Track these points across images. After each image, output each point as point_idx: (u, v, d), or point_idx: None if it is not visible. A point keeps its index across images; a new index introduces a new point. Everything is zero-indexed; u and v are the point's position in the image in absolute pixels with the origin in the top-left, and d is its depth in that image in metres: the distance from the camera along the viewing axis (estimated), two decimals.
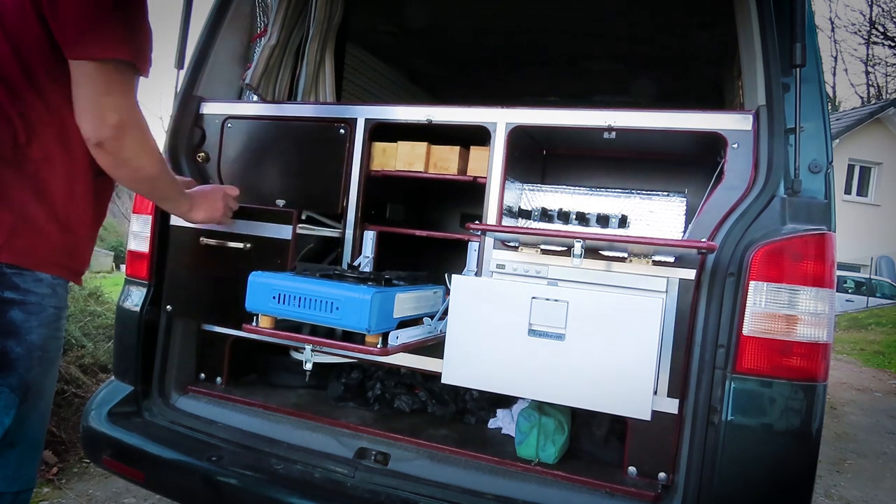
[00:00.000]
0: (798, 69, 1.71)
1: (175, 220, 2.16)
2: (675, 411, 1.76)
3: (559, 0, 2.86)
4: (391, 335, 1.73)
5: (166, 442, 2.07)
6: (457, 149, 2.19)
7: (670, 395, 1.77)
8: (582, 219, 2.34)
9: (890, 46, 25.80)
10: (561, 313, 1.65)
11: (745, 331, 1.63)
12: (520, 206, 2.42)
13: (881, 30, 25.81)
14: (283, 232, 2.05)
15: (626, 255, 1.84)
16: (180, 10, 2.36)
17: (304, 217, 2.23)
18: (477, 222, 1.90)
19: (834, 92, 28.76)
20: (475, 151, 2.19)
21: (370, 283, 1.77)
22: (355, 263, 2.20)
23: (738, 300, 1.65)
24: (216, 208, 1.93)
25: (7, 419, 1.39)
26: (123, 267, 3.25)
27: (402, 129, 2.23)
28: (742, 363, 1.63)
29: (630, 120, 1.93)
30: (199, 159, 2.38)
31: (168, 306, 2.21)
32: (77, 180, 1.46)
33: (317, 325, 1.78)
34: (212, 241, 2.11)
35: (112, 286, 6.29)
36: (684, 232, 2.20)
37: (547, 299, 1.67)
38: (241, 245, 2.06)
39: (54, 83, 1.37)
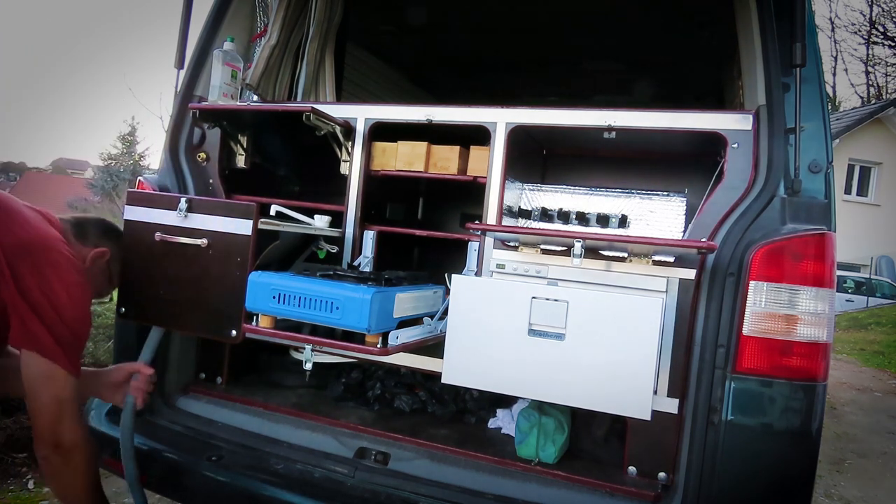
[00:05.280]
0: (798, 69, 1.71)
1: (128, 214, 2.00)
2: (675, 411, 1.76)
3: (559, 0, 2.86)
4: (391, 335, 1.73)
5: (166, 442, 2.07)
6: (457, 149, 2.19)
7: (670, 394, 1.77)
8: (582, 219, 2.33)
9: (890, 46, 25.79)
10: (561, 313, 1.65)
11: (745, 330, 1.63)
12: (520, 206, 2.42)
13: (881, 30, 25.80)
14: (243, 227, 1.87)
15: (626, 254, 1.84)
16: (180, 10, 2.36)
17: (273, 212, 2.11)
18: (477, 222, 1.90)
19: (834, 92, 28.68)
20: (475, 151, 2.19)
21: (370, 283, 1.77)
22: (355, 263, 2.20)
23: (738, 300, 1.65)
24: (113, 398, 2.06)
25: None
26: None
27: (402, 129, 2.22)
28: (742, 363, 1.63)
29: (630, 120, 1.93)
30: (199, 159, 2.38)
31: (122, 308, 2.07)
32: None
33: (317, 324, 1.78)
34: (166, 238, 1.96)
35: None
36: (684, 232, 2.20)
37: (547, 299, 1.67)
38: (198, 242, 1.91)
39: None
